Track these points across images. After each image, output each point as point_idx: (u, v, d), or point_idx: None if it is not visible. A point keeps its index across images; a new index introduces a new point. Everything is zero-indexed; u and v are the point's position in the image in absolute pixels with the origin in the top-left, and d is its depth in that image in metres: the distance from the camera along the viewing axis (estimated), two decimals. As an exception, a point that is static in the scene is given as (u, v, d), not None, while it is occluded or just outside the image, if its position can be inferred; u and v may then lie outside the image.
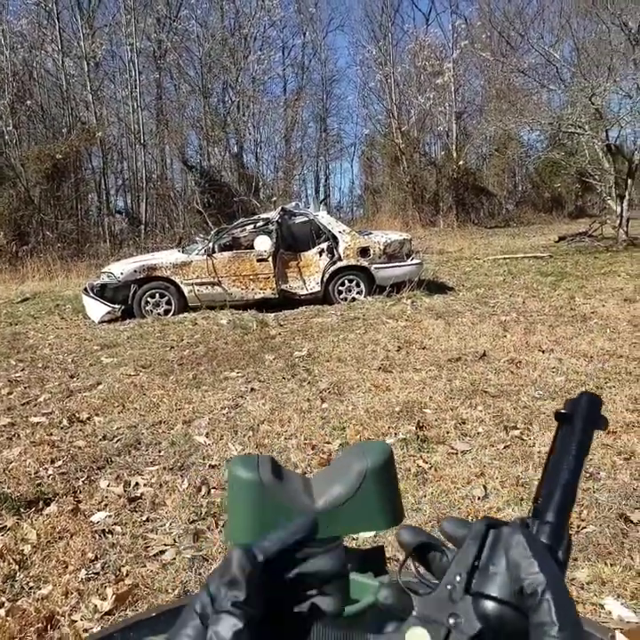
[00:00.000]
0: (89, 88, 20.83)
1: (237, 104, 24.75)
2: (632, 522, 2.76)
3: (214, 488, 3.36)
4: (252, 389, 5.13)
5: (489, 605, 0.36)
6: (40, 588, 2.53)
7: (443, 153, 26.25)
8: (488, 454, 3.60)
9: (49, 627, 2.27)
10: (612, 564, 2.44)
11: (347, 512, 0.65)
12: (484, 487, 3.20)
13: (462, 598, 0.38)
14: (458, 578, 0.38)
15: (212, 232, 9.86)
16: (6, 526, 3.05)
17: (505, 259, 13.09)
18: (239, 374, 5.61)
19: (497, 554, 0.38)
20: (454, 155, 24.82)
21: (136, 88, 21.85)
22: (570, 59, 15.93)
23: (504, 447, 3.69)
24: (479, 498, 3.10)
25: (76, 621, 2.30)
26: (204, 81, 23.75)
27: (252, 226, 9.62)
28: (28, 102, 19.76)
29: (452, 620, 0.37)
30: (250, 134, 25.05)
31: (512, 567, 0.37)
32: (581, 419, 0.43)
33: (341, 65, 55.16)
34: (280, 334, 7.37)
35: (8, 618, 2.28)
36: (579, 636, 0.33)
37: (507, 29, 20.11)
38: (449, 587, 0.38)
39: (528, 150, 25.16)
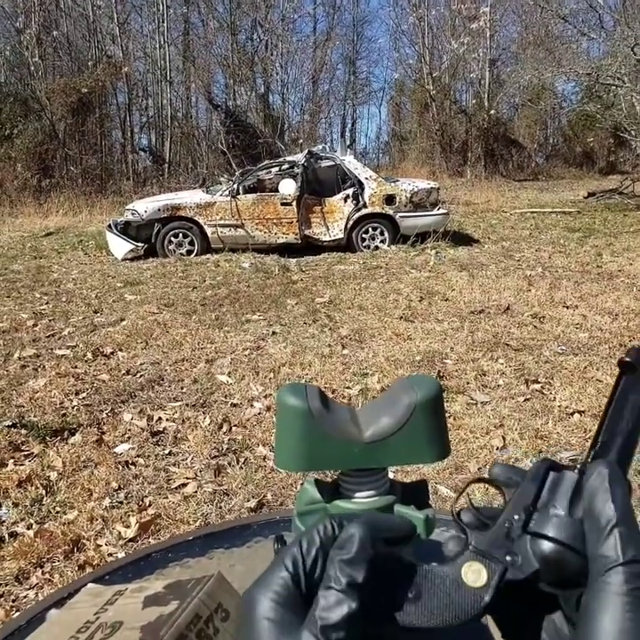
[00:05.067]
0: (116, 20, 20.36)
1: (266, 43, 24.13)
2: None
3: (236, 426, 3.42)
4: (274, 333, 5.15)
5: (547, 546, 0.36)
6: (66, 514, 2.62)
7: (474, 101, 25.42)
8: (508, 406, 3.61)
9: (75, 549, 2.35)
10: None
11: (394, 444, 0.65)
12: (503, 438, 3.21)
13: (520, 537, 0.37)
14: (516, 517, 0.38)
15: (237, 173, 9.75)
16: (33, 453, 3.13)
17: (532, 213, 12.83)
18: (261, 317, 5.63)
19: (557, 496, 0.38)
20: (486, 103, 24.07)
21: (163, 22, 21.33)
22: (614, 6, 15.21)
23: (524, 400, 3.69)
24: (497, 448, 3.12)
25: (101, 546, 2.38)
26: (233, 17, 23.11)
27: (277, 168, 9.49)
28: (55, 33, 19.38)
29: (509, 558, 0.36)
30: (277, 74, 24.49)
31: (587, 497, 0.36)
32: None
33: (374, 5, 53.31)
34: (302, 280, 7.35)
35: (36, 539, 2.37)
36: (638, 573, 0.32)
37: (550, -29, 19.15)
38: (507, 524, 0.38)
39: (562, 102, 24.36)
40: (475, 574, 0.36)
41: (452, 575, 0.37)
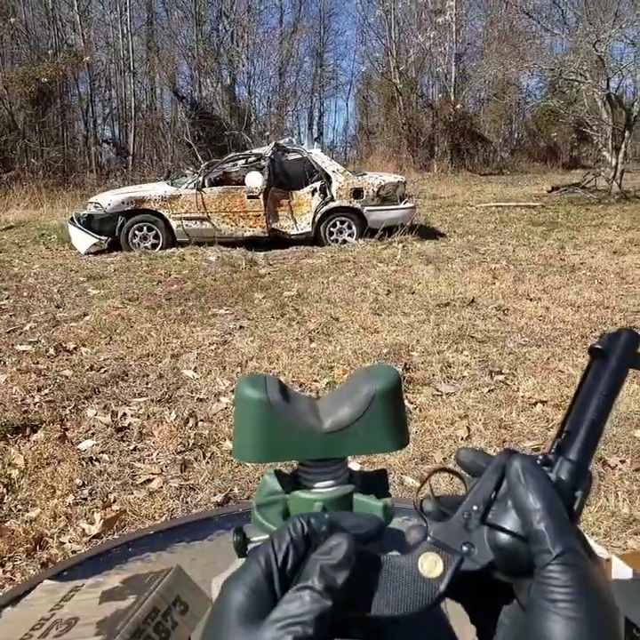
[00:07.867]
0: (76, 8, 19.90)
1: (231, 34, 23.92)
2: (609, 465, 2.84)
3: (202, 420, 3.39)
4: (241, 327, 5.12)
5: (503, 537, 0.37)
6: (28, 511, 2.57)
7: (440, 95, 25.61)
8: (472, 397, 3.65)
9: (38, 547, 2.31)
10: (587, 505, 2.51)
11: (353, 433, 0.65)
12: (468, 428, 3.26)
13: (477, 528, 0.38)
14: (475, 508, 0.38)
15: (203, 166, 9.65)
16: (-6, 450, 3.07)
17: (497, 206, 12.99)
18: (228, 311, 5.60)
19: None
20: (452, 98, 24.25)
21: (126, 11, 20.97)
22: (576, 2, 15.41)
23: (488, 391, 3.74)
24: (462, 438, 3.16)
25: (65, 543, 2.35)
26: (198, 7, 22.81)
27: (243, 161, 9.43)
28: (12, 20, 18.84)
29: (465, 548, 0.37)
30: (243, 66, 24.28)
31: (510, 494, 0.37)
32: (617, 356, 0.41)
33: (341, -3, 53.08)
34: (269, 274, 7.32)
35: (-3, 537, 2.33)
36: (576, 561, 0.33)
37: (514, -34, 19.31)
38: (465, 515, 0.38)
39: (526, 97, 24.66)
40: (431, 565, 0.37)
41: (409, 566, 0.37)
